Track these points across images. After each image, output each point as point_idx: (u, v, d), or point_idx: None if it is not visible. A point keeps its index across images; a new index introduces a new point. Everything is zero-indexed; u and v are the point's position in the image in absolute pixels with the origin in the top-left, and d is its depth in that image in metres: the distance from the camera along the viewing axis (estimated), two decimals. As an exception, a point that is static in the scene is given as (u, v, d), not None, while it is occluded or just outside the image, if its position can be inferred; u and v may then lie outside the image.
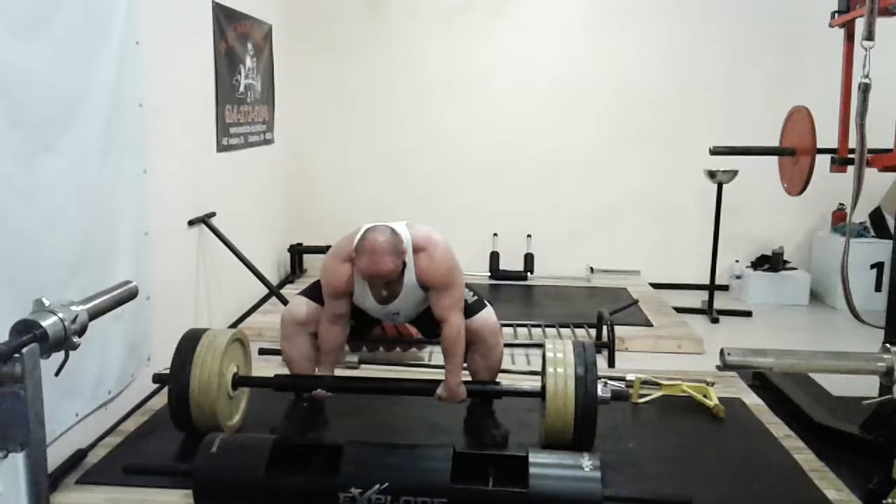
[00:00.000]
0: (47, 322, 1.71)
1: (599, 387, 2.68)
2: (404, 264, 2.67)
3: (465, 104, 5.93)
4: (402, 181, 5.96)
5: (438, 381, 2.81)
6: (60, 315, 1.74)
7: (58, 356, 1.81)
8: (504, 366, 3.77)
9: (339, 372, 3.50)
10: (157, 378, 2.93)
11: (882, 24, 2.95)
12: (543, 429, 2.74)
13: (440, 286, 2.71)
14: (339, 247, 2.77)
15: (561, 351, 2.78)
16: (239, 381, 2.91)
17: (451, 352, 2.74)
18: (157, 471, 2.52)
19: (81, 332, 1.83)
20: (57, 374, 1.85)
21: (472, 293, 2.90)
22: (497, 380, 2.97)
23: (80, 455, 2.70)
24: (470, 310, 2.84)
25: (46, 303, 1.76)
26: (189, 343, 2.81)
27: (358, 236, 2.63)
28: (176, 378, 2.75)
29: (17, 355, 1.54)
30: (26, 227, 2.40)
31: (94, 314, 1.95)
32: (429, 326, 2.92)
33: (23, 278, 2.34)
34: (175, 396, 2.76)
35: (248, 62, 4.76)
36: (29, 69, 2.41)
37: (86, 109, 2.75)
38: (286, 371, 3.04)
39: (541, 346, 4.24)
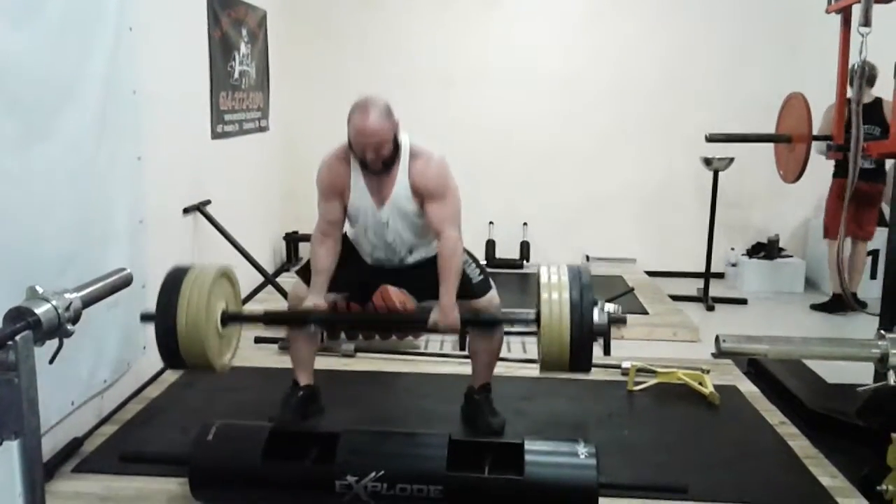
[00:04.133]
0: (41, 309, 1.69)
1: (595, 312, 2.49)
2: (396, 147, 2.62)
3: (461, 92, 5.91)
4: (398, 169, 5.93)
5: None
6: (54, 302, 1.72)
7: (52, 344, 1.80)
8: (500, 353, 3.79)
9: (334, 361, 3.51)
10: (145, 317, 2.68)
11: (878, 9, 2.94)
12: (541, 357, 2.61)
13: (434, 193, 2.68)
14: (336, 149, 2.77)
15: (555, 274, 2.59)
16: (228, 318, 2.76)
17: (447, 268, 2.63)
18: (153, 459, 2.52)
19: (75, 319, 1.81)
20: (51, 361, 1.84)
21: (479, 272, 2.86)
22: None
23: (76, 444, 2.70)
24: (476, 290, 2.81)
25: (40, 290, 1.74)
26: (174, 278, 2.61)
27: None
28: (162, 315, 2.56)
29: (10, 343, 1.53)
30: (20, 214, 2.39)
31: (88, 302, 1.93)
32: (421, 286, 2.83)
33: (16, 266, 2.33)
34: (162, 334, 2.56)
35: (243, 48, 4.73)
36: (22, 56, 2.39)
37: (79, 96, 2.73)
38: (282, 361, 3.04)
39: (535, 333, 4.26)
